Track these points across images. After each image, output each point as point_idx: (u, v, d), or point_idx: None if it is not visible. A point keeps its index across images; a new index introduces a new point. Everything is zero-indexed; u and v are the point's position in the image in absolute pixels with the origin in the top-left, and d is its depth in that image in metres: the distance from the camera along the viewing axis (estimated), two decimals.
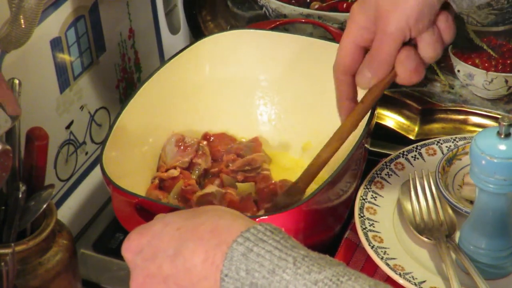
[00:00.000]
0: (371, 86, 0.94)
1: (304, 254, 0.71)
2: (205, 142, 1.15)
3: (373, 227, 1.00)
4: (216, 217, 0.76)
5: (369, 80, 0.94)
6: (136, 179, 1.06)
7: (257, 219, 0.91)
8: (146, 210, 0.94)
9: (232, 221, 0.75)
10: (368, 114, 1.00)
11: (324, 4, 1.22)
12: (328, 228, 1.02)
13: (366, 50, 0.94)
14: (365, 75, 0.94)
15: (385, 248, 0.98)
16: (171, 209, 0.94)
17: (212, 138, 1.16)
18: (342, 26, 1.21)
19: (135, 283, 0.78)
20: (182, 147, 1.12)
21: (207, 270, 0.73)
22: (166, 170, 1.10)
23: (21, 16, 0.84)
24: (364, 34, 0.93)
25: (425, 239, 1.00)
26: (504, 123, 0.87)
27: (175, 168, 1.10)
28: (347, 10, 1.20)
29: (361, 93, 0.98)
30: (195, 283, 0.74)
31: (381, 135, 1.17)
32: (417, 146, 1.11)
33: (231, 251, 0.72)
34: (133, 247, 0.78)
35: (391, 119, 1.23)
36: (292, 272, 0.70)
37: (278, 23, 1.20)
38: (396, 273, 0.94)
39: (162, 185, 1.09)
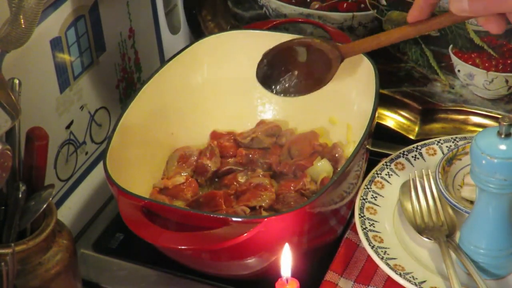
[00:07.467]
0: (463, 15, 0.89)
1: None
2: (215, 142, 1.14)
3: (374, 227, 1.00)
4: None
5: (463, 11, 0.88)
6: (138, 180, 1.06)
7: (265, 219, 0.90)
8: (153, 213, 0.94)
9: None
10: (369, 115, 1.00)
11: (324, 4, 1.22)
12: (331, 229, 1.01)
13: None
14: (462, 4, 0.88)
15: (386, 248, 0.98)
16: (178, 211, 0.94)
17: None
18: (342, 26, 1.21)
19: None
20: (183, 160, 1.12)
21: None
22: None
23: (21, 16, 0.84)
24: None
25: (425, 239, 1.00)
26: (504, 123, 0.87)
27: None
28: (347, 10, 1.20)
29: None
30: None
31: (381, 135, 1.17)
32: (417, 146, 1.11)
33: None
34: None
35: (391, 119, 1.23)
36: None
37: (275, 23, 1.20)
38: (396, 273, 0.94)
39: (166, 192, 1.09)
